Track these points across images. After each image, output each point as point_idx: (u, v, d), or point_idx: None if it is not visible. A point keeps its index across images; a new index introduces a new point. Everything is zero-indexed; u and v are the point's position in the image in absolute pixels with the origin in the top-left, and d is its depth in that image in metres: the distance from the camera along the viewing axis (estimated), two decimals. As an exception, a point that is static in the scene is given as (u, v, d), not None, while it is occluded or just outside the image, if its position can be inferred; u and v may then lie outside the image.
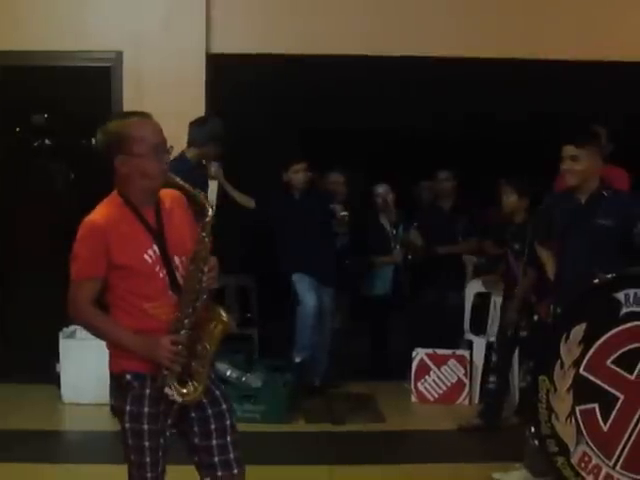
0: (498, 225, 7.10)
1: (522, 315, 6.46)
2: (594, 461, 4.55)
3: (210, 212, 3.50)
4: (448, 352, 7.52)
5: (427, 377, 7.46)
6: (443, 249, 7.99)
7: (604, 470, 4.54)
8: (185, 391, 3.44)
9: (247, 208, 7.28)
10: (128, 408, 3.45)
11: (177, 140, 6.61)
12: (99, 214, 3.46)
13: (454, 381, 7.46)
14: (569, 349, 4.48)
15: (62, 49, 7.38)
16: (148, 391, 3.45)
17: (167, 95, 7.22)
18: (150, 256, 3.47)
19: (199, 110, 7.05)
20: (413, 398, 7.46)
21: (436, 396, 7.45)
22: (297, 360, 7.24)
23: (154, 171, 3.47)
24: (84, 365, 6.90)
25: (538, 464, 5.01)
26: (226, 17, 7.54)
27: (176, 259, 3.51)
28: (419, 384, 7.46)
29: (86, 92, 7.49)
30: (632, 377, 4.41)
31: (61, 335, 7.11)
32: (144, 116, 3.53)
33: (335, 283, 7.51)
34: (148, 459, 3.47)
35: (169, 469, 3.58)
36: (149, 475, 3.50)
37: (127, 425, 3.46)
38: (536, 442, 4.69)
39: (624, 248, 5.03)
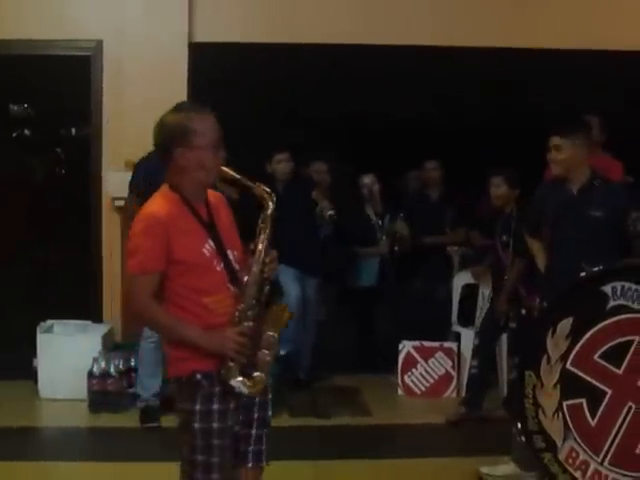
0: (487, 216, 7.04)
1: (511, 306, 6.44)
2: (582, 457, 4.52)
3: (270, 204, 3.58)
4: (435, 344, 7.47)
5: (414, 370, 7.40)
6: (430, 239, 7.96)
7: (592, 466, 4.51)
8: (251, 383, 3.48)
9: (230, 198, 7.19)
10: (198, 407, 3.46)
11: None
12: (158, 207, 3.51)
13: (441, 374, 7.40)
14: (556, 343, 4.44)
15: (41, 38, 7.30)
16: (217, 389, 3.47)
17: (148, 84, 7.21)
18: (207, 250, 3.52)
19: (181, 99, 6.92)
20: (400, 391, 7.40)
21: (423, 389, 7.39)
22: (281, 353, 7.13)
23: (211, 164, 3.53)
24: (61, 360, 6.84)
25: (526, 458, 4.95)
26: (208, 6, 7.48)
27: (229, 253, 3.58)
28: (406, 377, 7.40)
29: (66, 81, 7.42)
30: (620, 371, 4.38)
31: (38, 330, 7.02)
32: (203, 110, 3.59)
33: (320, 274, 7.45)
34: (216, 459, 3.47)
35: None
36: (216, 476, 3.48)
37: (196, 425, 3.46)
38: (523, 438, 4.62)
39: (615, 239, 5.01)
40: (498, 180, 6.66)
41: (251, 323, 3.48)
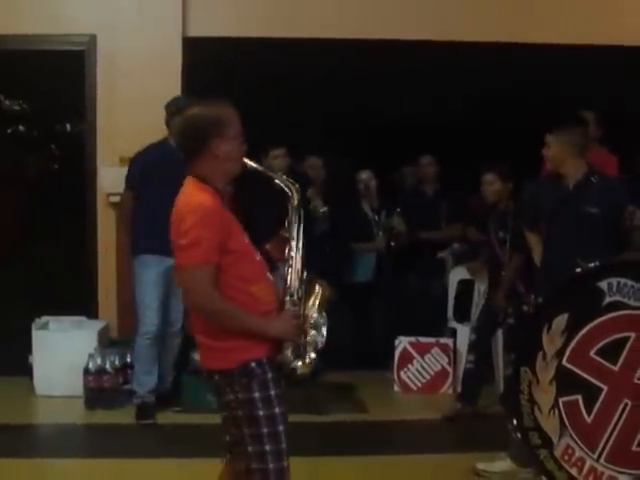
0: (481, 212, 7.03)
1: (509, 302, 6.45)
2: (578, 454, 4.51)
3: (295, 195, 3.65)
4: (431, 340, 7.47)
5: (410, 366, 7.40)
6: (426, 235, 7.94)
7: (588, 463, 4.50)
8: (306, 364, 3.54)
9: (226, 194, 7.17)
10: (257, 395, 3.45)
11: (153, 124, 6.56)
12: (204, 198, 3.49)
13: (438, 370, 7.40)
14: (551, 340, 4.43)
15: (34, 32, 7.24)
16: (270, 375, 3.47)
17: (142, 80, 7.19)
18: (247, 240, 3.60)
19: (175, 94, 6.92)
20: (396, 387, 7.41)
21: (419, 385, 7.39)
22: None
23: (239, 155, 3.59)
24: (57, 357, 6.83)
25: (523, 454, 4.94)
26: (203, 0, 7.43)
27: None
28: (402, 373, 7.40)
29: (59, 77, 7.38)
30: (616, 368, 4.37)
31: (34, 327, 7.01)
32: (224, 103, 3.64)
33: (316, 270, 7.39)
34: (284, 445, 3.47)
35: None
36: (285, 464, 3.49)
37: (261, 413, 3.45)
38: (518, 435, 4.61)
39: (611, 235, 5.00)
40: (491, 177, 6.66)
41: (297, 307, 3.56)
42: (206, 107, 3.59)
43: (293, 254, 3.62)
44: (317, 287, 3.68)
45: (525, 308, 6.11)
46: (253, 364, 3.45)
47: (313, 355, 3.57)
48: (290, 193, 3.66)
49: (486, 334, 6.70)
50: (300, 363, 3.51)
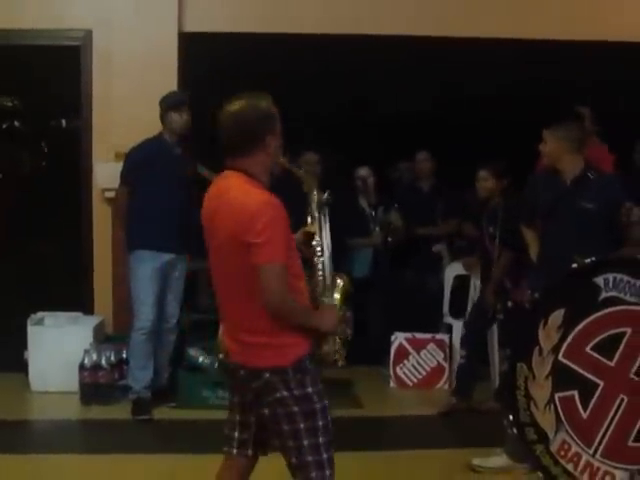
0: (475, 208, 7.06)
1: (499, 298, 6.48)
2: (574, 449, 4.52)
3: (315, 192, 3.80)
4: (427, 336, 7.49)
5: (406, 362, 7.41)
6: (422, 230, 7.95)
7: (584, 458, 4.51)
8: (340, 356, 3.69)
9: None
10: (311, 390, 3.49)
11: (149, 119, 6.55)
12: (268, 196, 3.47)
13: (433, 365, 7.41)
14: (547, 335, 4.44)
15: (30, 27, 7.21)
16: (314, 369, 3.54)
17: (138, 75, 7.17)
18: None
19: (171, 90, 6.90)
20: (392, 383, 7.41)
21: (415, 381, 7.40)
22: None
23: (279, 151, 3.61)
24: (52, 353, 6.82)
25: (518, 450, 4.94)
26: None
27: None
28: (398, 369, 7.40)
29: (55, 72, 7.37)
30: (612, 363, 4.37)
31: (29, 322, 7.00)
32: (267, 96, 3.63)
33: (312, 265, 7.41)
34: (331, 437, 3.55)
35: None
36: (332, 454, 3.56)
37: (318, 406, 3.50)
38: (514, 430, 4.61)
39: (608, 231, 5.01)
40: (485, 173, 6.68)
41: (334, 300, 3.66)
42: (256, 101, 3.53)
43: (321, 248, 3.67)
44: (339, 281, 3.73)
45: (510, 304, 6.17)
46: (306, 360, 3.50)
47: (342, 348, 3.69)
48: (313, 189, 3.76)
49: (476, 329, 6.71)
50: (337, 356, 3.65)
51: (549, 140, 5.14)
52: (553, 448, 4.52)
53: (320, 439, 3.48)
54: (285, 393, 3.47)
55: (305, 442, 3.47)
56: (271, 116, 3.50)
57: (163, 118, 6.48)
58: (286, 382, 3.47)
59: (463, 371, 6.69)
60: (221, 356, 3.77)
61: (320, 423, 3.48)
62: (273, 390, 3.49)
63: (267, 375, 3.48)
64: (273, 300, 3.40)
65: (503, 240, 6.46)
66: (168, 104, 6.47)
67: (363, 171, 7.96)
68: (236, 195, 3.47)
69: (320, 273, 3.64)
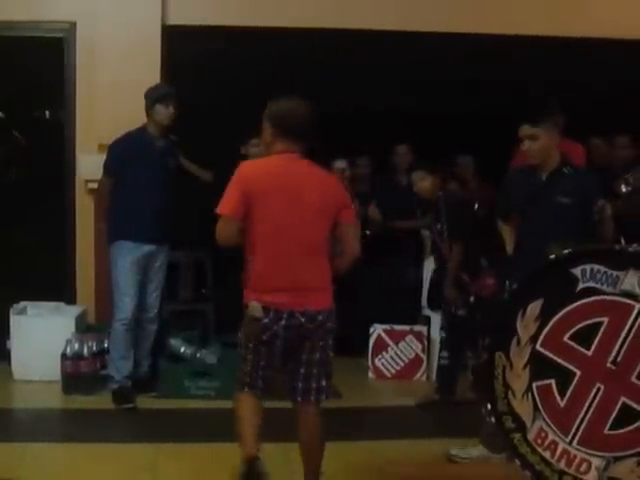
0: (423, 209, 7.22)
1: (457, 293, 6.54)
2: (550, 437, 4.53)
3: None
4: (406, 328, 7.55)
5: (384, 353, 7.47)
6: (401, 224, 7.97)
7: (561, 446, 4.52)
8: None
9: (205, 181, 7.18)
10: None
11: (132, 111, 6.57)
12: None
13: (412, 357, 7.47)
14: (525, 325, 4.45)
15: (13, 19, 7.23)
16: None
17: (122, 67, 7.18)
18: None
19: (155, 82, 6.93)
20: (370, 374, 7.47)
21: (393, 372, 7.46)
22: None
23: None
24: (34, 342, 6.85)
25: (495, 440, 5.01)
26: (182, -12, 7.42)
27: None
28: (376, 360, 7.46)
29: (39, 63, 7.35)
30: (589, 353, 4.39)
31: (12, 312, 7.01)
32: None
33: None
34: None
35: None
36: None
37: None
38: (492, 419, 4.66)
39: (582, 226, 5.02)
40: (420, 173, 6.73)
41: None
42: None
43: None
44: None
45: (472, 299, 6.23)
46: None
47: None
48: None
49: (453, 330, 6.70)
50: None
51: (541, 134, 5.06)
52: (530, 436, 4.53)
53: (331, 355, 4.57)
54: (330, 325, 4.45)
55: (328, 358, 4.56)
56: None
57: (148, 110, 6.50)
58: (331, 319, 4.47)
59: (445, 372, 6.76)
60: (258, 314, 4.46)
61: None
62: (318, 327, 4.41)
63: (320, 317, 4.40)
64: (356, 250, 4.49)
65: (450, 234, 6.54)
66: (155, 96, 6.49)
67: (340, 163, 7.97)
68: (317, 173, 4.42)
69: None
